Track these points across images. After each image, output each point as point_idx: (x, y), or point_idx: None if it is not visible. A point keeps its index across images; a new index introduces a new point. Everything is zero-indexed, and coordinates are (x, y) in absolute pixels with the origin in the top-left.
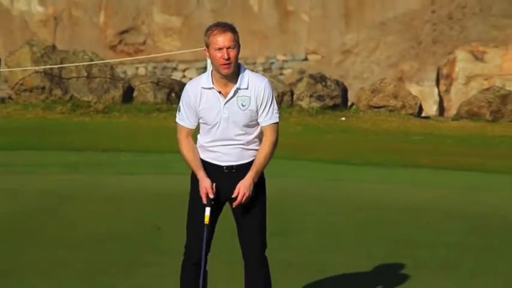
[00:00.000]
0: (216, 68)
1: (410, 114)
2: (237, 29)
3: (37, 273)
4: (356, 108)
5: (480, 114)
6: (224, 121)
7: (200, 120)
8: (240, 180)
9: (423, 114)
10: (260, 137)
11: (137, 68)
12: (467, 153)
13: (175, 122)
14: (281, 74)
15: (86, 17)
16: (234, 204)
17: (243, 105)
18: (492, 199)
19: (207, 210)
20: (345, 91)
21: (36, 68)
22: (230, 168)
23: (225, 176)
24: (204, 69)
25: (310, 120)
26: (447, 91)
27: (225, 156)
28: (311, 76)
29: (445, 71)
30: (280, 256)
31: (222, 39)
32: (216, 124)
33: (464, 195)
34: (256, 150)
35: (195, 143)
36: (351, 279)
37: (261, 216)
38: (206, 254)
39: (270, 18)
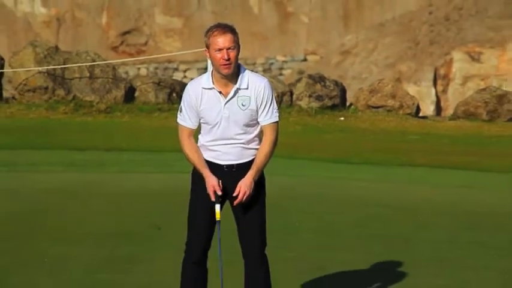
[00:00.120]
0: (216, 69)
1: (408, 114)
2: (237, 30)
3: (41, 269)
4: (354, 108)
5: (477, 114)
6: (225, 121)
7: (201, 120)
8: (240, 179)
9: (420, 114)
10: (260, 136)
11: (139, 68)
12: (463, 152)
13: (177, 123)
14: (281, 74)
15: (88, 18)
16: (235, 202)
17: (243, 105)
18: (488, 198)
19: (217, 207)
20: (343, 91)
21: (40, 68)
22: (230, 167)
23: (225, 175)
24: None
25: (309, 120)
26: (444, 91)
27: (226, 155)
28: (310, 76)
29: (442, 72)
30: (280, 254)
31: (222, 40)
32: (216, 124)
33: (460, 193)
34: (256, 149)
35: (196, 142)
36: (349, 276)
37: (261, 214)
38: (206, 251)
39: (270, 20)
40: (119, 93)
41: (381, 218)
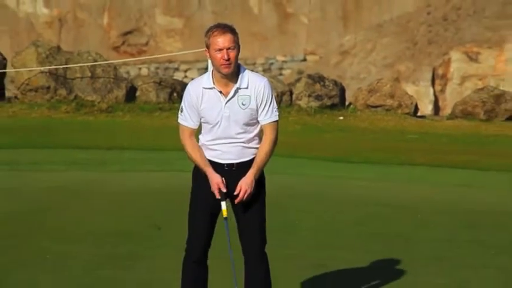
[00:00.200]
0: (216, 68)
1: (407, 113)
2: (237, 30)
3: (42, 267)
4: (353, 107)
5: (474, 113)
6: (225, 120)
7: (202, 120)
8: (240, 178)
9: (419, 114)
10: (260, 135)
11: (140, 68)
12: (461, 151)
13: (178, 123)
14: (280, 74)
15: (90, 18)
16: (236, 201)
17: (243, 104)
18: (487, 196)
19: (223, 204)
20: (342, 91)
21: (42, 68)
22: (231, 166)
23: (226, 174)
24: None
25: (308, 119)
26: (442, 91)
27: (226, 155)
28: (309, 76)
29: (440, 72)
30: (280, 252)
31: (222, 40)
32: (217, 123)
33: (459, 192)
34: (256, 148)
35: (197, 142)
36: (349, 274)
37: (261, 213)
38: (207, 250)
39: (270, 20)
40: (120, 92)
41: (381, 217)
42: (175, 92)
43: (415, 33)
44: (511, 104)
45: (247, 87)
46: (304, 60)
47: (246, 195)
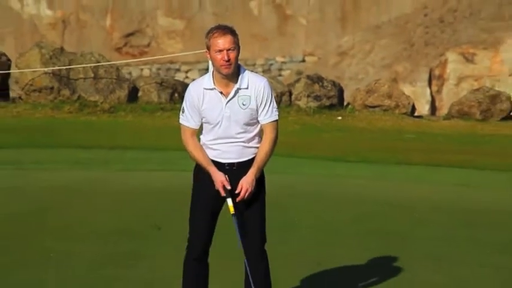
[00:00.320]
0: (217, 69)
1: (404, 113)
2: (237, 32)
3: (46, 265)
4: (352, 107)
5: (470, 113)
6: (226, 120)
7: (203, 120)
8: (241, 177)
9: (416, 114)
10: (260, 134)
11: (142, 69)
12: (457, 151)
13: (179, 123)
14: (280, 75)
15: (93, 20)
16: (237, 199)
17: (243, 104)
18: (483, 195)
19: (229, 201)
20: (341, 91)
21: (45, 69)
22: (231, 165)
23: (226, 173)
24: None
25: (307, 119)
26: (439, 91)
27: (227, 154)
28: (308, 77)
29: (436, 72)
30: (279, 250)
31: (222, 42)
32: (218, 123)
33: (456, 191)
34: (256, 147)
35: (198, 141)
36: (347, 272)
37: (261, 211)
38: (207, 248)
39: (270, 22)
40: (123, 93)
41: (378, 215)
42: (177, 92)
43: (412, 34)
44: (506, 104)
45: (247, 88)
46: (303, 61)
47: (247, 194)
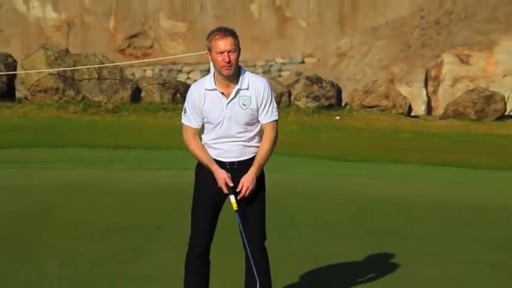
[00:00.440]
0: (218, 70)
1: (401, 113)
2: (238, 34)
3: (51, 262)
4: (350, 108)
5: (465, 113)
6: (227, 120)
7: (204, 120)
8: (241, 176)
9: (412, 114)
10: (260, 134)
11: (145, 70)
12: (453, 150)
13: (181, 123)
14: (279, 75)
15: (96, 22)
16: (238, 197)
17: (244, 105)
18: (476, 193)
19: (232, 197)
20: (339, 92)
21: (51, 70)
22: (232, 164)
23: (227, 172)
24: (208, 71)
25: (306, 119)
26: (435, 92)
27: (228, 153)
28: (307, 78)
29: (433, 73)
30: (279, 247)
31: (223, 44)
32: (219, 123)
33: (452, 189)
34: (257, 147)
35: (200, 141)
36: (346, 268)
37: (261, 209)
38: (209, 245)
39: (269, 24)
40: (126, 93)
41: (376, 213)
42: (179, 93)
43: (408, 36)
44: (501, 105)
45: (247, 88)
46: (303, 62)
47: (247, 192)
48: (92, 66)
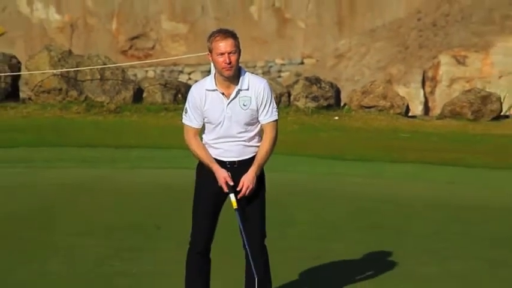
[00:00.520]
0: (218, 71)
1: (398, 113)
2: (238, 35)
3: (54, 259)
4: (348, 108)
5: (462, 113)
6: (227, 120)
7: (205, 120)
8: (242, 175)
9: (410, 114)
10: (260, 134)
11: (146, 71)
12: (450, 149)
13: (183, 123)
14: (279, 76)
15: (99, 24)
16: (239, 196)
17: (244, 105)
18: (472, 192)
19: (232, 196)
20: (338, 92)
21: (54, 71)
22: (232, 163)
23: (228, 171)
24: (208, 72)
25: (306, 119)
26: (432, 92)
27: (228, 153)
28: (307, 78)
29: (430, 74)
30: (279, 245)
31: (224, 45)
32: (219, 123)
33: (449, 188)
34: (257, 146)
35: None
36: (344, 265)
37: (261, 207)
38: (209, 243)
39: (269, 25)
40: (128, 94)
41: (374, 212)
42: (180, 93)
43: (406, 38)
44: (497, 105)
45: (248, 89)
46: (302, 63)
47: (248, 191)
48: (95, 67)
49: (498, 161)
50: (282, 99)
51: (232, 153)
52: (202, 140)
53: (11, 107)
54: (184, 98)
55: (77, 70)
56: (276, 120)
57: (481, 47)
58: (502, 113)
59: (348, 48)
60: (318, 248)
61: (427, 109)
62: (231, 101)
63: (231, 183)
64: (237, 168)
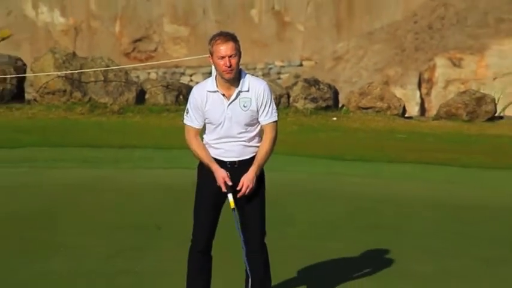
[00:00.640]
0: (219, 74)
1: (395, 114)
2: (239, 38)
3: (58, 258)
4: (346, 109)
5: (457, 114)
6: (228, 121)
7: (206, 120)
8: (242, 175)
9: (406, 115)
10: (260, 134)
11: (149, 73)
12: (446, 149)
13: (184, 123)
14: (279, 78)
15: (103, 27)
16: (239, 195)
17: (244, 106)
18: (469, 192)
19: (230, 196)
20: (336, 94)
21: (59, 73)
22: (233, 163)
23: (228, 171)
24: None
25: (305, 120)
26: (428, 94)
27: (229, 153)
28: (306, 80)
29: (426, 76)
30: (279, 243)
31: (224, 48)
32: (220, 124)
33: (445, 188)
34: (257, 146)
35: (202, 141)
36: (343, 263)
37: (261, 206)
38: (211, 241)
39: (269, 28)
40: (131, 95)
41: (372, 211)
42: (182, 94)
43: (403, 40)
44: (491, 106)
45: (248, 91)
46: (301, 65)
47: (248, 190)
48: (98, 69)
49: (494, 162)
50: (282, 100)
51: (233, 153)
52: (203, 140)
53: (17, 108)
54: (186, 99)
55: (81, 72)
56: (276, 121)
57: (476, 49)
58: (496, 114)
59: (346, 50)
60: (317, 246)
61: (423, 110)
62: (231, 102)
63: (230, 183)
64: (237, 168)
